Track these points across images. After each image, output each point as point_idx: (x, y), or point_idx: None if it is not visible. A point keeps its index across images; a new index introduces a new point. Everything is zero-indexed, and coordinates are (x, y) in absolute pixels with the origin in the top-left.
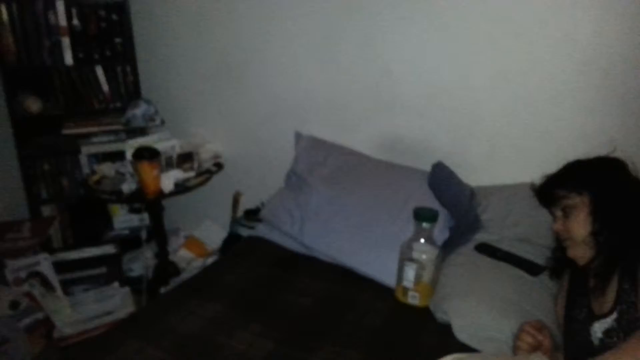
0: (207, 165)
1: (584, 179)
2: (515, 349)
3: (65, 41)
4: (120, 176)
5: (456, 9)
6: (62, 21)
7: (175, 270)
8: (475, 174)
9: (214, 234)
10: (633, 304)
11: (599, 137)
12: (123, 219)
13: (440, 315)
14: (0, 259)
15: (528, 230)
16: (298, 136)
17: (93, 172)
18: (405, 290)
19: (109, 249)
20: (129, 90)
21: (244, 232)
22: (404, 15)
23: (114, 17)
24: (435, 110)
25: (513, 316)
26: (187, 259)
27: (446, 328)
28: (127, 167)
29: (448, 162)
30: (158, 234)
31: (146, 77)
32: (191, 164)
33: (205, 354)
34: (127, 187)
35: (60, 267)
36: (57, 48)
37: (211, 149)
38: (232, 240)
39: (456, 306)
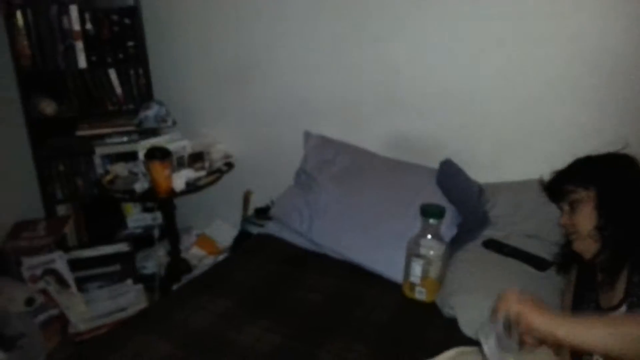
0: (218, 164)
1: (590, 174)
2: (521, 344)
3: (79, 45)
4: (133, 176)
5: (463, 9)
6: (76, 26)
7: (187, 267)
8: (483, 171)
9: (225, 232)
10: None
11: (607, 134)
12: (136, 217)
13: (447, 310)
14: (16, 256)
15: (536, 226)
16: (307, 135)
17: (107, 172)
18: (413, 285)
19: (122, 247)
20: (142, 92)
21: (255, 230)
22: (412, 16)
23: (126, 21)
24: (443, 109)
25: None
26: (198, 256)
27: (453, 323)
28: (139, 167)
29: (456, 160)
30: (170, 232)
31: (158, 79)
32: (202, 163)
33: (214, 348)
34: (140, 186)
35: (75, 264)
36: (71, 52)
37: (222, 148)
38: (242, 238)
39: (463, 301)
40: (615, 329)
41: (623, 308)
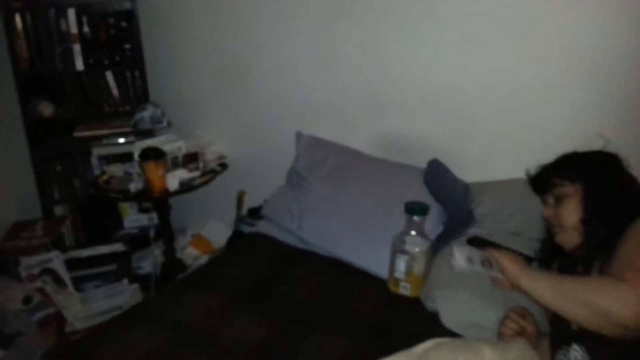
0: (212, 165)
1: (578, 169)
2: (499, 335)
3: (76, 48)
4: (128, 176)
5: (452, 11)
6: (73, 29)
7: (182, 267)
8: (471, 170)
9: (219, 232)
10: None
11: (592, 135)
12: (133, 218)
13: (429, 304)
14: (14, 256)
15: (519, 224)
16: (299, 136)
17: (103, 173)
18: (397, 281)
19: (118, 247)
20: (138, 94)
21: (248, 229)
22: (401, 19)
23: (123, 24)
24: (431, 109)
25: (499, 304)
26: (193, 256)
27: (435, 316)
28: (135, 168)
29: (444, 159)
30: (165, 232)
31: (154, 81)
32: (196, 164)
33: (201, 340)
34: (134, 185)
35: (72, 264)
36: (68, 54)
37: (216, 150)
38: (236, 238)
39: (444, 295)
40: (562, 289)
41: None
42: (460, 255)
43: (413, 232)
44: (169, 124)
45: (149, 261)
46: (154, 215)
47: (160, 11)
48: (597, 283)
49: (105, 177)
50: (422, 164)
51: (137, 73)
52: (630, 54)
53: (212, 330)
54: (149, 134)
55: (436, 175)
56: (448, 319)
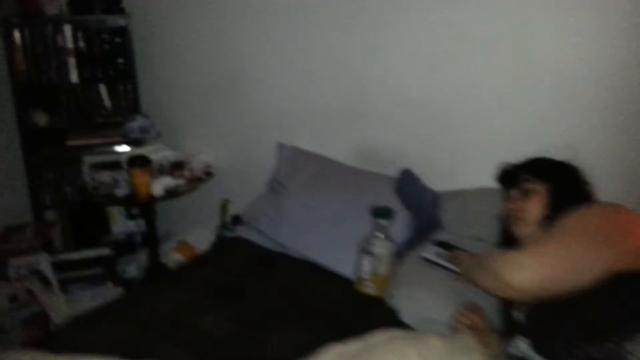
0: (198, 173)
1: (549, 171)
2: (452, 329)
3: (72, 61)
4: (116, 182)
5: (422, 29)
6: (69, 43)
7: (166, 272)
8: (441, 179)
9: (204, 239)
10: None
11: (556, 144)
12: (121, 225)
13: (390, 301)
14: (3, 257)
15: (481, 229)
16: (281, 146)
17: (93, 180)
18: (362, 280)
19: (105, 252)
20: (129, 106)
21: (231, 236)
22: (375, 36)
23: (117, 39)
24: (404, 122)
25: (455, 301)
26: (178, 261)
27: (395, 313)
28: (122, 175)
29: (416, 168)
30: (150, 236)
31: (146, 94)
32: (182, 172)
33: (174, 332)
34: (121, 191)
35: (59, 267)
36: (64, 67)
37: (203, 159)
38: (219, 244)
39: (405, 292)
40: (477, 261)
41: None
42: (431, 250)
43: (379, 235)
44: (158, 134)
45: (135, 265)
46: (142, 222)
47: (153, 28)
48: (501, 253)
49: (94, 184)
50: (395, 173)
51: (129, 86)
52: (595, 68)
53: (185, 323)
54: (138, 143)
55: (406, 183)
56: (407, 315)
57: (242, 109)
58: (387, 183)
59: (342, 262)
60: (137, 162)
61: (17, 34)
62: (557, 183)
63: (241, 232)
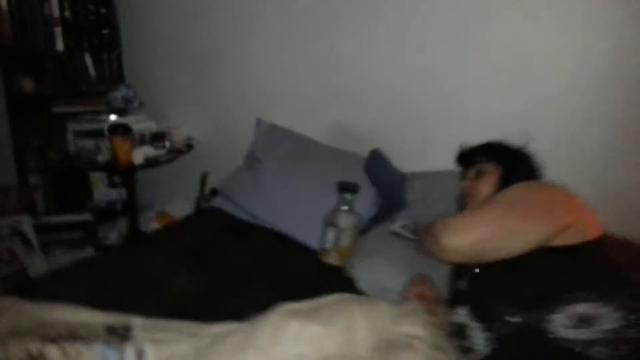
0: (179, 145)
1: (502, 154)
2: (404, 298)
3: (58, 30)
4: (98, 149)
5: (397, 15)
6: (56, 12)
7: (145, 239)
8: (411, 160)
9: (182, 209)
10: None
11: (517, 130)
12: (103, 192)
13: (350, 271)
14: None
15: (444, 209)
16: (259, 122)
17: (76, 146)
18: (326, 251)
19: (87, 217)
20: (114, 76)
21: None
22: (352, 19)
23: (102, 10)
24: (378, 103)
25: (408, 271)
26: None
27: (354, 281)
28: (105, 142)
29: (388, 149)
30: (131, 204)
31: (129, 64)
32: (163, 142)
33: (143, 291)
34: (102, 157)
35: (41, 228)
36: (50, 36)
37: (184, 131)
38: (197, 213)
39: (363, 262)
40: (426, 228)
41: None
42: (399, 223)
43: (343, 208)
44: (141, 105)
45: (115, 233)
46: (123, 190)
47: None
48: (442, 219)
49: (76, 150)
50: (367, 153)
51: (113, 56)
52: (552, 57)
53: (155, 281)
54: (121, 112)
55: (375, 163)
56: (364, 283)
57: (222, 84)
58: (359, 162)
59: (310, 235)
60: (119, 130)
61: (3, 1)
62: (509, 166)
63: (217, 202)
